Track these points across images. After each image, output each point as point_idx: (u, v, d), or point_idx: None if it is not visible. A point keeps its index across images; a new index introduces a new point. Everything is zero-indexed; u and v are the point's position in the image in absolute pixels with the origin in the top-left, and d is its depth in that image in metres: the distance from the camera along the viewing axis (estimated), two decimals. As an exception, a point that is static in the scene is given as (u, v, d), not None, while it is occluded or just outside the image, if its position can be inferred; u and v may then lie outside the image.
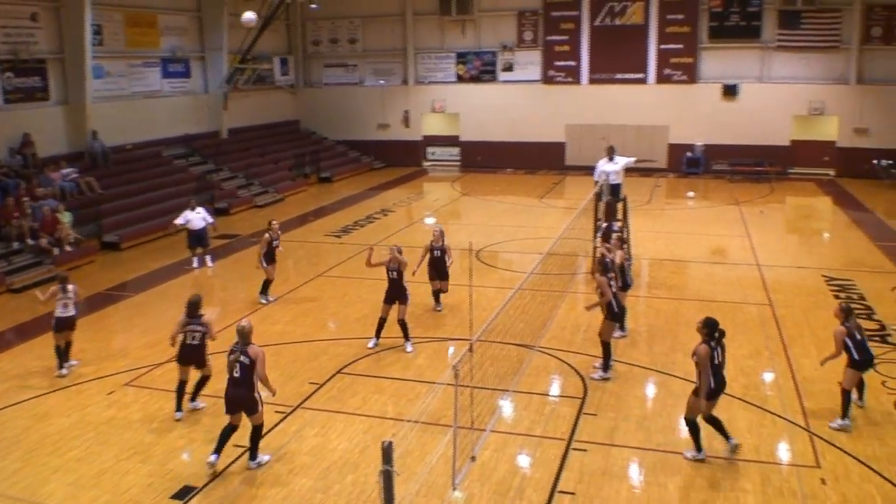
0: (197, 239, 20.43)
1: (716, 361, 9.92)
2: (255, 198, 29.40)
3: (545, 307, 15.41)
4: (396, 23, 37.87)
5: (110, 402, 12.29)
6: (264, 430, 10.31)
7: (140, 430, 11.29)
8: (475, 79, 37.39)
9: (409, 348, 14.14)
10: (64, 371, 13.21)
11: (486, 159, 37.28)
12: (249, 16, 19.15)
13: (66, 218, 21.38)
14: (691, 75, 34.42)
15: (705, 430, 10.10)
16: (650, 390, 12.52)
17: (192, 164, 30.08)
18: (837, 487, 9.47)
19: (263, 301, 17.12)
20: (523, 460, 10.36)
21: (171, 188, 26.94)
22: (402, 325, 14.13)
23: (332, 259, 20.97)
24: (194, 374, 11.65)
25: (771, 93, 33.47)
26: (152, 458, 10.51)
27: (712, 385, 9.84)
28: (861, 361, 10.92)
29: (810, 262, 20.40)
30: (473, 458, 9.70)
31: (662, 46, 34.55)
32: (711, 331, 9.96)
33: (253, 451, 10.16)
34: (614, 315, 12.96)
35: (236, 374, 9.83)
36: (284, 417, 11.54)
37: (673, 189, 32.19)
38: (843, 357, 10.99)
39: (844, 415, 10.91)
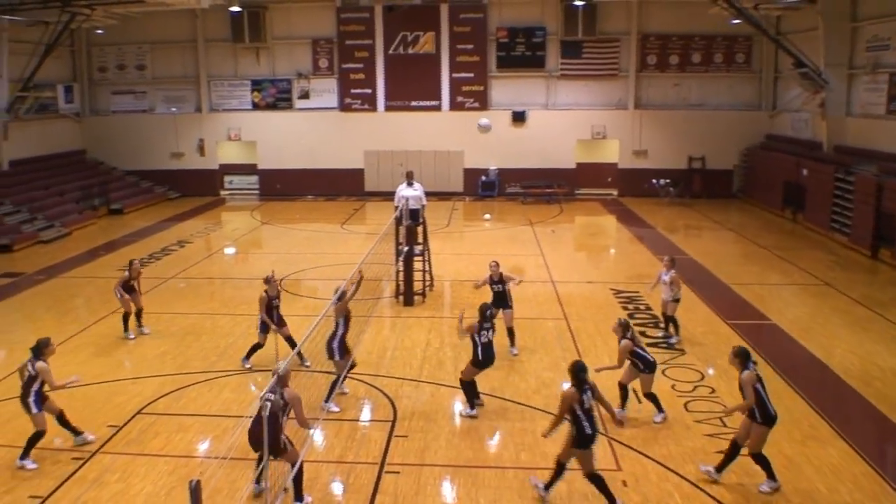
0: None
1: (586, 406, 9.55)
2: (40, 233, 27.33)
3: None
4: (187, 49, 36.81)
5: None
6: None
7: None
8: (271, 106, 36.97)
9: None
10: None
11: (286, 187, 36.88)
12: (486, 122, 18.30)
13: None
14: (483, 102, 35.75)
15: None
16: (457, 408, 12.74)
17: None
18: (638, 488, 10.05)
19: (131, 336, 16.40)
20: (337, 488, 10.28)
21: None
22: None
23: (127, 295, 19.89)
24: None
25: (556, 119, 35.42)
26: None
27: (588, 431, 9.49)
28: (654, 364, 12.09)
29: (599, 276, 21.64)
30: (286, 490, 9.50)
31: (454, 75, 35.71)
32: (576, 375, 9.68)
33: (296, 491, 9.57)
34: None
35: (265, 413, 9.20)
36: (82, 465, 10.78)
37: (470, 212, 33.23)
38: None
39: (622, 405, 12.24)
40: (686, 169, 35.04)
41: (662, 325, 16.12)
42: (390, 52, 35.83)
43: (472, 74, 35.62)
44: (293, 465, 9.53)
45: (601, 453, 11.01)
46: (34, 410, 10.92)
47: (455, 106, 35.92)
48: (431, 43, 35.58)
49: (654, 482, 10.21)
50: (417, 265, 18.92)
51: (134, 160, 37.29)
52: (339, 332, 12.67)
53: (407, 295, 18.65)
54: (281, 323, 14.59)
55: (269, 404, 9.29)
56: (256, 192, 37.83)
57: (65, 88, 35.15)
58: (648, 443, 11.27)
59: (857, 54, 27.43)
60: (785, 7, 29.06)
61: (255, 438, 9.40)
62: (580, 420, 9.40)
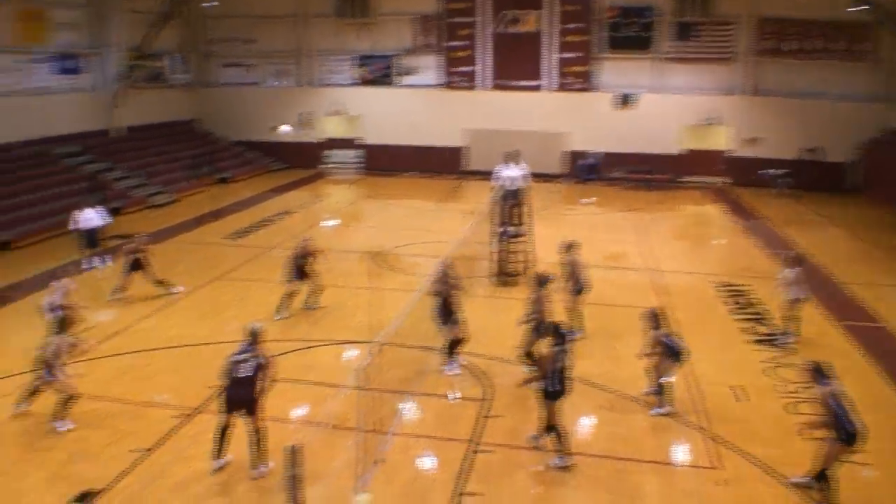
0: (90, 239, 19.68)
1: (559, 365, 10.14)
2: (150, 198, 28.48)
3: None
4: (294, 24, 37.37)
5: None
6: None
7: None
8: (374, 82, 37.22)
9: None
10: None
11: (387, 162, 37.13)
12: (285, 128, 19.34)
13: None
14: (588, 84, 35.13)
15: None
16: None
17: (83, 163, 28.85)
18: (736, 488, 9.72)
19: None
20: (428, 462, 10.29)
21: (62, 187, 25.89)
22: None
23: (231, 262, 20.43)
24: None
25: (665, 102, 34.48)
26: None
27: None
28: (682, 353, 11.70)
29: (703, 267, 21.04)
30: (378, 461, 9.56)
31: (560, 55, 35.16)
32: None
33: (260, 456, 9.93)
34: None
35: (243, 375, 9.67)
36: (182, 423, 11.19)
37: (570, 195, 32.75)
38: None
39: (662, 403, 11.80)
40: (799, 160, 33.69)
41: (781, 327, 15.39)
42: (495, 30, 35.56)
43: (578, 55, 34.98)
44: (258, 431, 9.82)
45: (700, 448, 10.74)
46: None
47: (559, 86, 35.44)
48: (537, 21, 35.11)
49: (752, 484, 9.85)
50: (516, 246, 18.75)
51: (240, 131, 38.32)
52: (437, 303, 13.20)
53: (504, 275, 18.52)
54: (304, 277, 16.15)
55: (250, 365, 9.58)
56: (357, 166, 38.26)
57: (176, 59, 36.22)
58: (749, 442, 10.86)
59: None
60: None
61: (239, 401, 9.73)
62: (547, 377, 10.02)
